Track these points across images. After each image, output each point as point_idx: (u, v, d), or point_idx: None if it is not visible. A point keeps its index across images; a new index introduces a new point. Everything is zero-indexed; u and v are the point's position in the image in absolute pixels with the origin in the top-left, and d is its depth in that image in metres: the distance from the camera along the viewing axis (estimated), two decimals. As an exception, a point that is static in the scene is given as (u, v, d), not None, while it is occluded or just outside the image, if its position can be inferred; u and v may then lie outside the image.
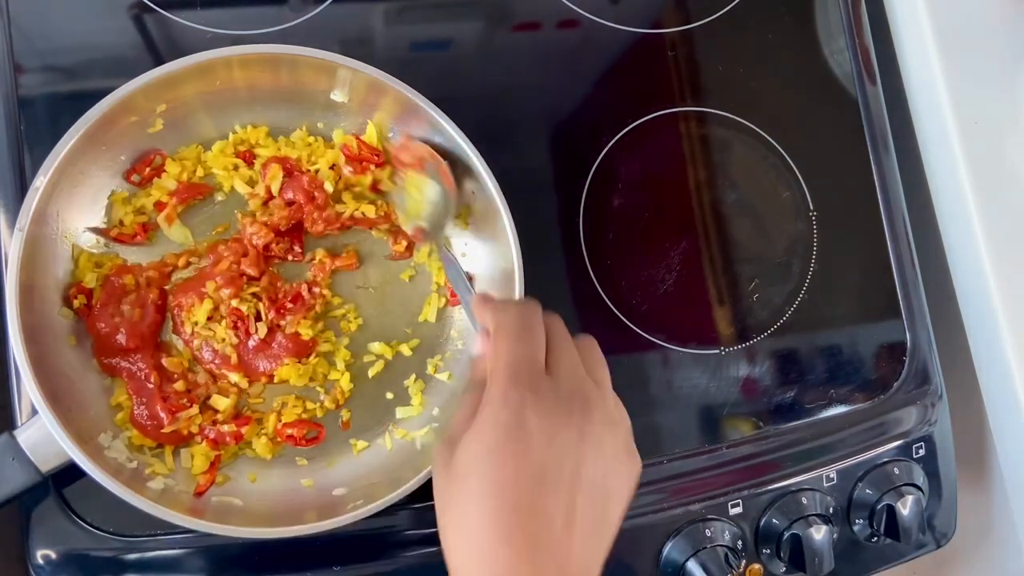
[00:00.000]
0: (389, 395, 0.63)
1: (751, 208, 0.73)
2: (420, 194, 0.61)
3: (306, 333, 0.60)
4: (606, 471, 0.46)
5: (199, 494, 0.56)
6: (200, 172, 0.61)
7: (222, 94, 0.59)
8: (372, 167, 0.62)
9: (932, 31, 0.75)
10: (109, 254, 0.59)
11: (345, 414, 0.62)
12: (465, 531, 0.44)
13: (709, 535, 0.65)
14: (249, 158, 0.62)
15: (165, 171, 0.60)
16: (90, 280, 0.57)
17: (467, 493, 0.44)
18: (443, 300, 0.64)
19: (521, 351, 0.47)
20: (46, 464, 0.53)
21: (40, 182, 0.53)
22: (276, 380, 0.60)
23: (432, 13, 0.69)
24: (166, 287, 0.60)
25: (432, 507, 0.60)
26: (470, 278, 0.63)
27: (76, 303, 0.57)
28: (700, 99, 0.73)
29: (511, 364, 0.46)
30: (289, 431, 0.59)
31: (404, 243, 0.64)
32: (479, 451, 0.44)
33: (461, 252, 0.64)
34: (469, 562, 0.43)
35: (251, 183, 0.61)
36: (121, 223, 0.59)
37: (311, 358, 0.61)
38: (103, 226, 0.59)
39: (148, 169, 0.59)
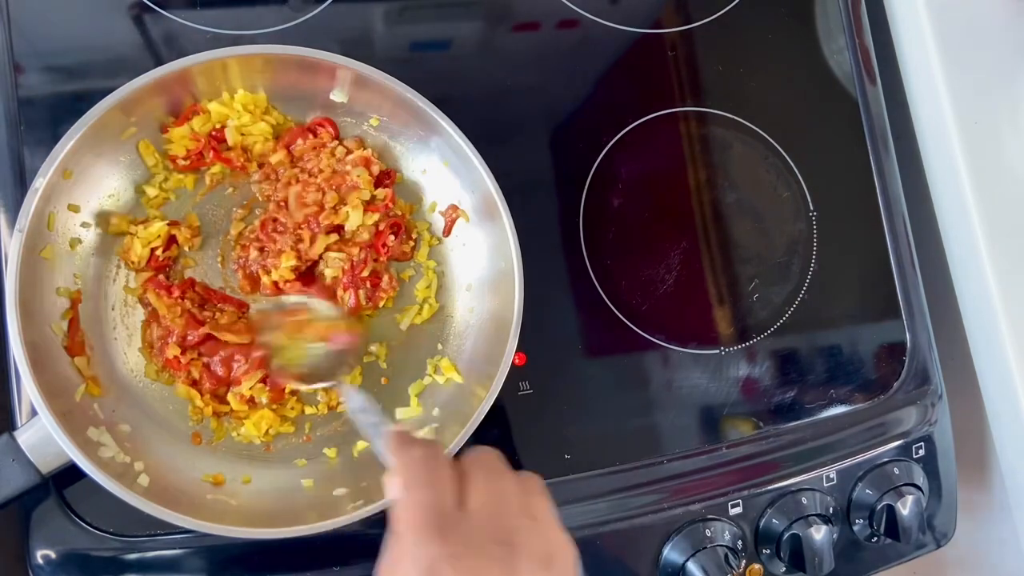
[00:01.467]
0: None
1: (751, 208, 0.72)
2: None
3: None
4: None
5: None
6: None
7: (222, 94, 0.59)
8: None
9: (932, 31, 0.75)
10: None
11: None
12: None
13: (709, 535, 0.65)
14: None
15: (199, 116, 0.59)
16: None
17: None
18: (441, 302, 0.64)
19: (427, 498, 0.43)
20: (46, 465, 0.53)
21: (40, 183, 0.53)
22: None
23: (432, 13, 0.69)
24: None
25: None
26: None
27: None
28: (700, 99, 0.73)
29: (416, 516, 0.42)
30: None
31: (411, 243, 0.64)
32: None
33: (462, 242, 0.64)
34: None
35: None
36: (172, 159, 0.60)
37: None
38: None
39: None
